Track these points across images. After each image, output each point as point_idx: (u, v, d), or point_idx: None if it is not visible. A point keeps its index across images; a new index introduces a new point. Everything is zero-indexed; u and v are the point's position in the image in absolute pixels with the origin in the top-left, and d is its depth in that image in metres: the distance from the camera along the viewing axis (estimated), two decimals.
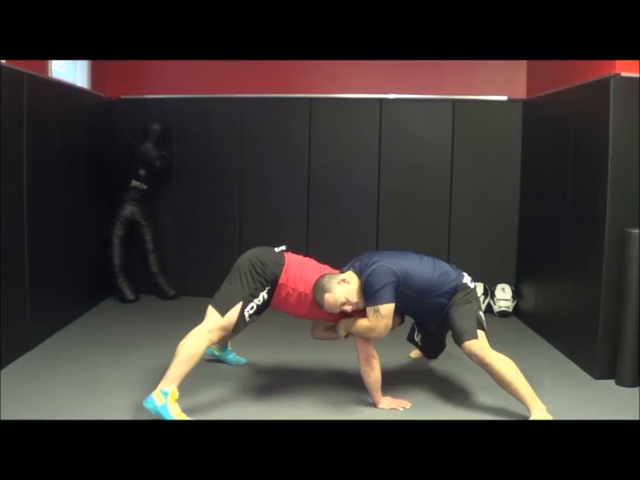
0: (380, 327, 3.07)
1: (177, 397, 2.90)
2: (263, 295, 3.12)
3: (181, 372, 2.93)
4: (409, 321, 3.64)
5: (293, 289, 3.13)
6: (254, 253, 3.21)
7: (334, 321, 3.25)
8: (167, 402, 2.85)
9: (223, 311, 3.05)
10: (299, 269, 3.17)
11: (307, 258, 3.36)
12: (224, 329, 3.06)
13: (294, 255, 3.28)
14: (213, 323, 3.05)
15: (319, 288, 3.06)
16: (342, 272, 3.21)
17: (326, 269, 3.26)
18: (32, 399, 3.17)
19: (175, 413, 2.86)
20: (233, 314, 3.05)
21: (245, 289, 3.09)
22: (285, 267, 3.14)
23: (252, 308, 3.09)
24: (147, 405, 2.88)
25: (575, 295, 4.02)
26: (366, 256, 3.25)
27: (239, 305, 3.06)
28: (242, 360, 3.87)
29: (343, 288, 3.07)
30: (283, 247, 3.30)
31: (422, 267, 3.20)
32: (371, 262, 3.12)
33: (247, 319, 3.10)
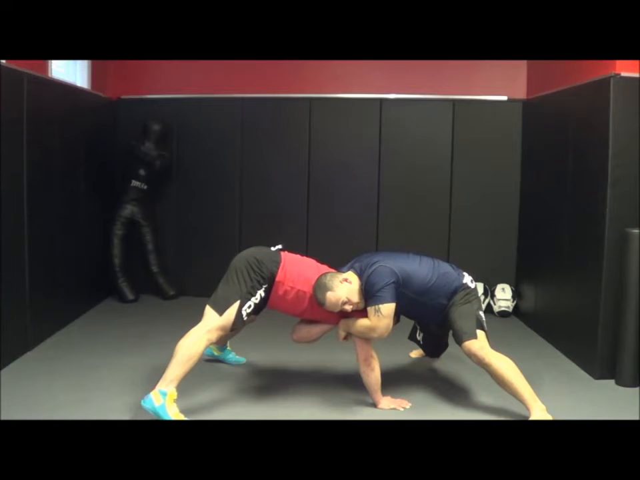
0: (381, 327, 3.06)
1: (176, 397, 2.90)
2: (260, 293, 3.11)
3: (179, 372, 2.93)
4: (409, 320, 3.64)
5: (291, 287, 3.13)
6: (250, 252, 3.21)
7: (332, 321, 3.24)
8: (165, 402, 2.85)
9: (220, 311, 3.05)
10: (296, 267, 3.17)
11: (305, 257, 3.35)
12: (222, 328, 3.06)
13: (290, 254, 3.28)
14: (211, 322, 3.04)
15: (321, 286, 3.06)
16: (341, 272, 3.21)
17: (324, 268, 3.26)
18: (32, 399, 3.17)
19: (173, 413, 2.86)
20: (231, 313, 3.05)
21: (242, 288, 3.08)
22: (281, 265, 3.13)
23: (249, 307, 3.09)
24: (145, 405, 2.88)
25: (575, 295, 4.02)
26: (366, 257, 3.25)
27: (237, 304, 3.06)
28: (241, 360, 3.87)
29: (345, 287, 3.07)
30: (279, 246, 3.30)
31: (422, 269, 3.19)
32: (372, 262, 3.12)
33: (245, 318, 3.09)
